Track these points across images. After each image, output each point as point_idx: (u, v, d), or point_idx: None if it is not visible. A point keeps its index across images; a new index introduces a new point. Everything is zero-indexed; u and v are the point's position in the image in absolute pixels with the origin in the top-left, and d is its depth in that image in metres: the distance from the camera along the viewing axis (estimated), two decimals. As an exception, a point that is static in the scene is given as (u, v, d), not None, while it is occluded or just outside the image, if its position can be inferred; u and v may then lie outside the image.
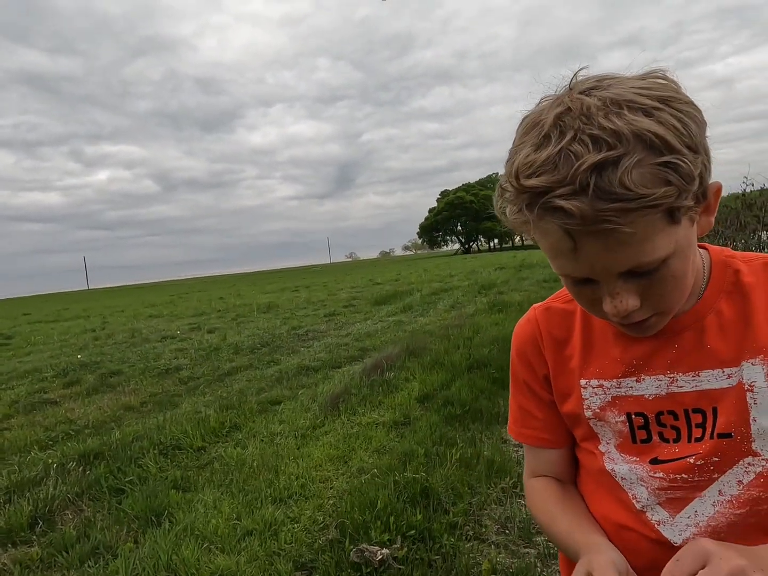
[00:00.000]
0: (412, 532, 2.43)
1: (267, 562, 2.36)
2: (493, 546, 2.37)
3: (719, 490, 0.64)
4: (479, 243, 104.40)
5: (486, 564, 2.20)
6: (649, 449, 0.68)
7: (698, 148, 0.52)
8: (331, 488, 3.07)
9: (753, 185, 6.33)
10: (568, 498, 0.77)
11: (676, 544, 0.65)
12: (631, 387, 0.68)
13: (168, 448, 3.92)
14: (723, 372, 0.64)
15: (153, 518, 2.87)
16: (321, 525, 2.65)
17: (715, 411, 0.64)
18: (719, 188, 0.59)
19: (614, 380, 0.69)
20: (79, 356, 8.77)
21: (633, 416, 0.68)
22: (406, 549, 2.32)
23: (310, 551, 2.42)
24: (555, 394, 0.77)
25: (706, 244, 0.70)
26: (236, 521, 2.74)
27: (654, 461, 0.67)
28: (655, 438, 0.67)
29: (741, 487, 0.63)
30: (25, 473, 3.60)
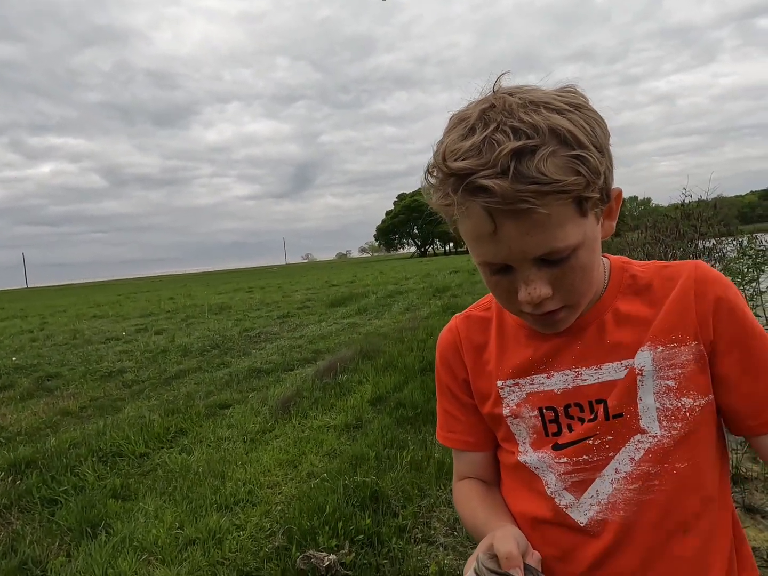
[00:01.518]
0: (361, 536, 2.40)
1: (210, 573, 2.28)
2: (441, 548, 2.37)
3: (615, 468, 0.69)
4: (435, 246, 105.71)
5: (433, 567, 2.20)
6: (551, 440, 0.73)
7: (603, 150, 0.60)
8: (279, 494, 3.01)
9: (691, 196, 6.69)
10: (489, 496, 0.82)
11: (582, 524, 0.70)
12: (542, 383, 0.73)
13: (108, 455, 3.74)
14: (621, 364, 0.70)
15: (88, 529, 2.72)
16: (268, 532, 2.59)
17: (602, 399, 0.70)
18: (620, 193, 0.67)
19: (527, 377, 0.74)
20: (14, 358, 8.26)
21: (544, 410, 0.73)
22: (354, 554, 2.29)
23: (256, 559, 2.35)
24: (475, 397, 0.81)
25: (607, 254, 0.77)
26: (178, 530, 2.64)
27: (556, 446, 0.72)
28: (565, 430, 0.72)
29: (633, 463, 0.68)
30: (-54, 485, 3.34)
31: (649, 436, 0.68)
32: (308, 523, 2.49)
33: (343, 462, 3.26)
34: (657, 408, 0.68)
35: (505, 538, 0.64)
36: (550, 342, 0.73)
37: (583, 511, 0.70)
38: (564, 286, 0.64)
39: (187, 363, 7.11)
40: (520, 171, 0.55)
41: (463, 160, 0.57)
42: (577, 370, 0.71)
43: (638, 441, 0.69)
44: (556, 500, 0.72)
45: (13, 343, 10.65)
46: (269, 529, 2.61)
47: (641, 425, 0.68)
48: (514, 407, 0.75)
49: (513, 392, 0.75)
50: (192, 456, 3.67)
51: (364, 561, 2.26)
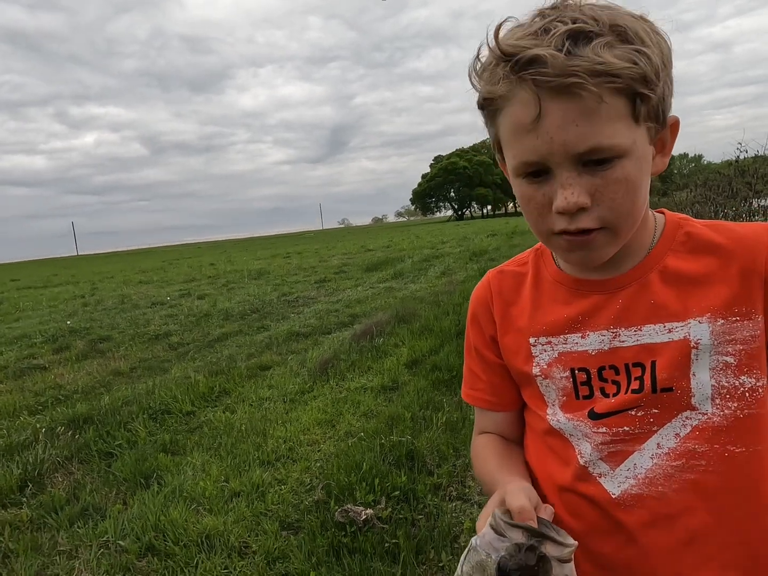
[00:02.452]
0: (397, 493, 2.48)
1: (254, 522, 2.41)
2: (475, 506, 2.42)
3: (657, 443, 0.65)
4: (472, 209, 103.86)
5: (468, 523, 2.25)
6: (589, 404, 0.69)
7: (667, 65, 0.58)
8: (318, 451, 3.12)
9: (747, 152, 6.29)
10: (506, 450, 0.81)
11: (614, 495, 0.67)
12: (576, 343, 0.69)
13: (157, 413, 3.94)
14: (664, 326, 0.65)
15: (142, 481, 2.91)
16: (308, 487, 2.70)
17: (653, 364, 0.65)
18: (677, 122, 0.64)
19: (561, 336, 0.71)
20: (68, 322, 8.73)
21: (576, 371, 0.69)
22: (390, 509, 2.37)
23: (296, 512, 2.47)
24: (504, 353, 0.78)
25: (664, 209, 0.73)
26: (224, 483, 2.79)
27: (593, 415, 0.68)
28: (597, 393, 0.69)
29: (678, 440, 0.64)
30: (14, 437, 3.62)
31: (699, 413, 0.64)
32: (346, 479, 2.58)
33: (380, 422, 3.33)
34: (712, 385, 0.63)
35: (516, 492, 0.64)
36: (587, 299, 0.69)
37: (618, 482, 0.67)
38: (604, 200, 0.58)
39: (228, 326, 7.34)
40: (573, 50, 0.53)
41: (517, 39, 0.56)
42: (615, 330, 0.67)
43: (686, 417, 0.64)
44: (589, 469, 0.69)
45: (67, 307, 11.23)
46: (309, 484, 2.73)
47: (692, 402, 0.64)
48: (545, 367, 0.72)
49: (545, 351, 0.72)
50: (235, 414, 3.83)
51: (400, 516, 2.33)
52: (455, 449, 2.92)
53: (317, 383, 4.35)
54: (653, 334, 0.65)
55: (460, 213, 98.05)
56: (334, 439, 3.25)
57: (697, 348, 0.63)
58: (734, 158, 6.38)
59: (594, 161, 0.57)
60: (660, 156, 0.64)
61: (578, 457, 0.70)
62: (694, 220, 0.70)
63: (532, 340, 0.73)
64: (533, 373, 0.73)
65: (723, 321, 0.63)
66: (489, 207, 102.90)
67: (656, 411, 0.65)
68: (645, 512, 0.65)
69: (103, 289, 15.05)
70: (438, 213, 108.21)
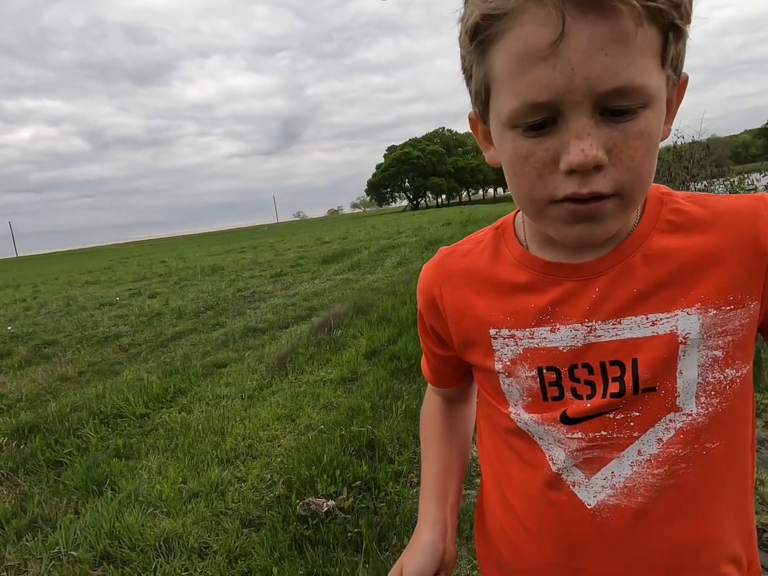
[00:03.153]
0: (358, 482, 2.49)
1: (214, 522, 2.37)
2: (436, 490, 2.46)
3: (638, 450, 0.58)
4: (427, 199, 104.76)
5: (428, 507, 2.29)
6: (559, 407, 0.61)
7: (690, 18, 0.48)
8: (278, 446, 3.09)
9: (683, 138, 6.60)
10: (449, 440, 0.81)
11: (589, 506, 0.60)
12: (545, 338, 0.60)
13: (109, 417, 3.81)
14: (647, 319, 0.56)
15: (94, 488, 2.81)
16: (268, 482, 2.68)
17: (635, 363, 0.56)
18: (686, 80, 0.54)
19: (527, 329, 0.61)
20: (9, 328, 8.28)
21: (544, 371, 0.60)
22: (352, 499, 2.38)
23: (258, 508, 2.44)
24: (457, 343, 0.69)
25: None
26: (182, 485, 2.72)
27: (565, 419, 0.60)
28: (568, 395, 0.60)
29: (660, 445, 0.57)
30: (-48, 452, 3.41)
31: (683, 414, 0.57)
32: (307, 473, 2.58)
33: (340, 414, 3.33)
34: (698, 383, 0.56)
35: (415, 559, 0.67)
36: (559, 286, 0.59)
37: (593, 492, 0.60)
38: (623, 159, 0.48)
39: (182, 325, 7.15)
40: None
41: None
42: (589, 324, 0.57)
43: (670, 420, 0.57)
44: (562, 476, 0.61)
45: (7, 312, 10.64)
46: (270, 479, 2.70)
47: (677, 402, 0.56)
48: (508, 363, 0.62)
49: (507, 345, 0.62)
50: (192, 414, 3.74)
51: (362, 505, 2.35)
52: (415, 436, 2.95)
53: (276, 378, 4.30)
54: (635, 327, 0.56)
55: (415, 203, 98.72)
56: (294, 434, 3.23)
57: (685, 343, 0.55)
58: (672, 144, 6.68)
59: (614, 111, 0.47)
60: (667, 123, 0.54)
61: (549, 463, 0.62)
62: (675, 192, 0.61)
63: (492, 332, 0.63)
64: (495, 369, 0.64)
65: (715, 312, 0.55)
66: (443, 196, 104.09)
67: (637, 414, 0.57)
68: (622, 523, 0.59)
69: (47, 291, 14.33)
70: (393, 203, 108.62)
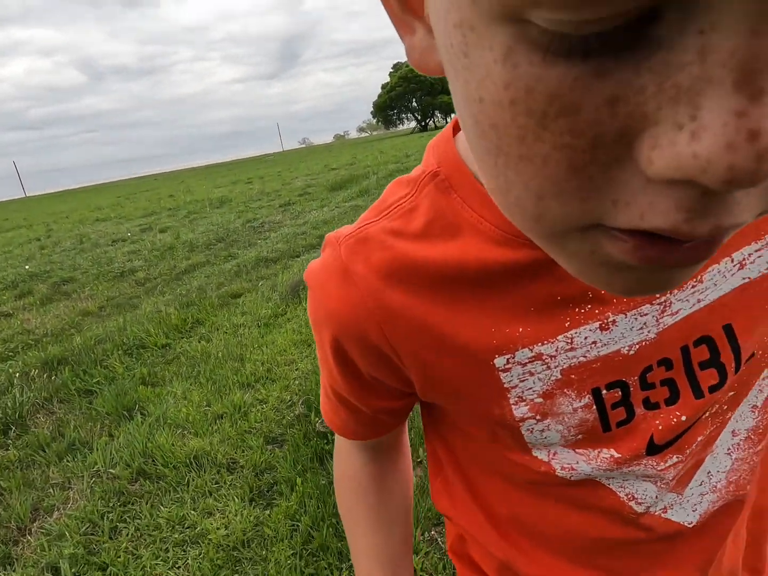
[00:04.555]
0: (374, 401, 2.60)
1: (239, 440, 2.51)
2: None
3: (732, 431, 0.42)
4: (436, 119, 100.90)
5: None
6: (633, 434, 0.39)
7: None
8: (296, 370, 3.20)
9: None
10: (382, 516, 0.57)
11: (690, 525, 0.43)
12: (594, 342, 0.37)
13: (132, 348, 3.95)
14: (732, 261, 0.37)
15: (125, 413, 2.97)
16: (288, 403, 2.80)
17: (729, 331, 0.38)
18: None
19: (560, 337, 0.37)
20: (27, 267, 8.43)
21: (604, 392, 0.38)
22: (368, 416, 2.49)
23: (279, 427, 2.58)
24: (424, 390, 0.43)
25: None
26: (206, 408, 2.87)
27: (653, 449, 0.39)
28: (639, 411, 0.39)
29: (756, 413, 0.42)
30: (-12, 385, 3.60)
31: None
32: (324, 393, 2.69)
33: (354, 337, 3.42)
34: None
35: None
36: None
37: (692, 507, 0.43)
38: None
39: (194, 258, 7.21)
40: None
41: None
42: (665, 298, 0.36)
43: (763, 378, 0.41)
44: (651, 510, 0.42)
45: (23, 252, 10.79)
46: (289, 400, 2.83)
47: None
48: (539, 401, 0.38)
49: (531, 374, 0.38)
50: (211, 343, 3.86)
51: (378, 421, 2.46)
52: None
53: (290, 306, 4.38)
54: (719, 280, 0.37)
55: (423, 124, 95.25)
56: (311, 357, 3.33)
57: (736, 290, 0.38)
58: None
59: None
60: None
61: (631, 505, 0.42)
62: None
63: (499, 361, 0.38)
64: (516, 418, 0.39)
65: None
66: (453, 115, 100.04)
67: (732, 393, 0.40)
68: (729, 522, 0.45)
69: (59, 230, 14.43)
70: (401, 125, 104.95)
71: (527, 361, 0.37)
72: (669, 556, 0.45)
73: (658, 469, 0.40)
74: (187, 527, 2.02)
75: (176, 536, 1.98)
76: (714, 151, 0.15)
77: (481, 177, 0.26)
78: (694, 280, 0.37)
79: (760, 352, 0.40)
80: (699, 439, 0.41)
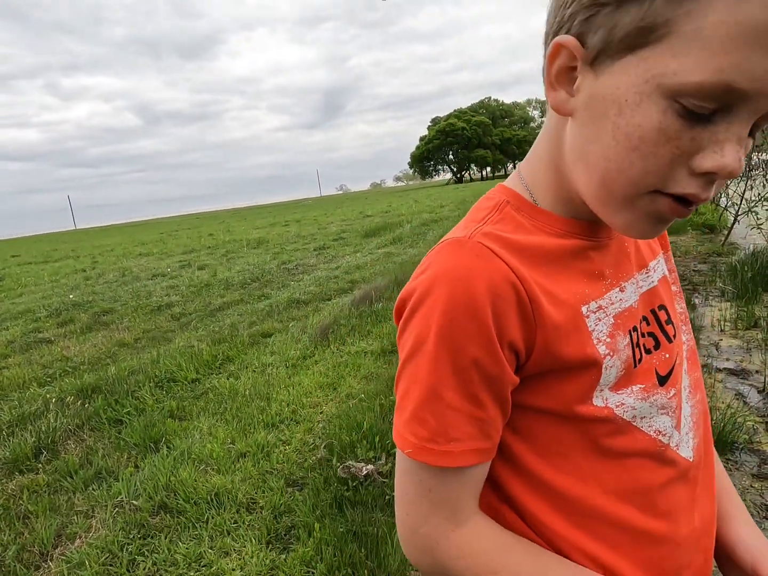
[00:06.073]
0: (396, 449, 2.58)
1: (260, 480, 2.52)
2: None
3: (684, 384, 0.60)
4: (471, 172, 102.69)
5: (464, 475, 2.36)
6: (645, 369, 0.56)
7: None
8: (320, 413, 3.22)
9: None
10: (527, 543, 0.55)
11: (691, 460, 0.58)
12: (621, 299, 0.56)
13: (163, 381, 4.04)
14: (658, 262, 0.64)
15: (151, 445, 3.02)
16: (311, 446, 2.81)
17: (663, 306, 0.61)
18: None
19: (606, 296, 0.55)
20: (71, 296, 8.80)
21: (632, 333, 0.55)
22: (390, 464, 2.47)
23: (301, 469, 2.58)
24: (547, 344, 0.51)
25: None
26: (231, 445, 2.89)
27: (661, 380, 0.56)
28: (643, 354, 0.56)
29: (687, 375, 0.62)
30: (25, 408, 3.73)
31: (685, 342, 0.64)
32: (347, 438, 2.69)
33: (380, 384, 3.43)
34: (680, 312, 0.64)
35: None
36: (603, 247, 0.57)
37: (686, 443, 0.58)
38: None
39: (229, 296, 7.41)
40: None
41: None
42: (636, 276, 0.59)
43: (683, 350, 0.62)
44: (671, 445, 0.56)
45: (69, 281, 11.29)
46: (312, 443, 2.83)
47: (681, 333, 0.63)
48: (608, 340, 0.53)
49: (600, 320, 0.53)
50: (239, 380, 3.93)
51: (400, 470, 2.44)
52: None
53: (318, 348, 4.44)
54: (652, 273, 0.61)
55: (459, 176, 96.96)
56: (336, 401, 3.35)
57: (666, 280, 0.65)
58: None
59: (760, 125, 0.44)
60: None
61: (658, 439, 0.55)
62: None
63: (584, 309, 0.52)
64: (600, 354, 0.52)
65: (663, 253, 0.68)
66: (488, 169, 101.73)
67: (677, 351, 0.60)
68: (701, 462, 0.60)
69: (104, 262, 15.08)
70: (437, 176, 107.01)
71: (595, 310, 0.54)
72: (692, 490, 0.58)
73: (668, 397, 0.56)
74: (204, 565, 2.02)
75: (192, 574, 1.98)
76: (729, 163, 0.42)
77: (587, 175, 0.49)
78: (645, 269, 0.61)
79: (677, 325, 0.62)
80: (679, 380, 0.58)
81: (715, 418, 2.45)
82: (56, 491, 2.69)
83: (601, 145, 0.46)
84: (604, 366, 0.52)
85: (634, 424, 0.54)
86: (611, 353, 0.53)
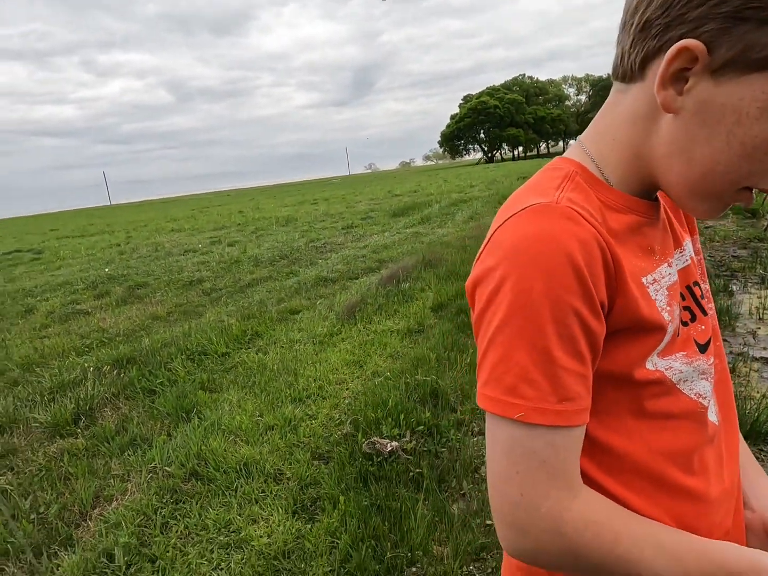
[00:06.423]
0: (421, 427, 2.61)
1: (287, 453, 2.58)
2: (496, 440, 2.53)
3: (712, 361, 0.65)
4: (503, 151, 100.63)
5: (488, 455, 2.37)
6: (684, 339, 0.60)
7: None
8: (346, 389, 3.27)
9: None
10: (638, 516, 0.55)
11: (717, 423, 0.63)
12: (669, 274, 0.59)
13: (194, 354, 4.15)
14: (688, 241, 0.67)
15: (183, 415, 3.12)
16: (337, 421, 2.86)
17: (697, 282, 0.66)
18: None
19: (658, 269, 0.58)
20: (106, 269, 9.07)
21: (677, 305, 0.60)
22: (414, 442, 2.50)
23: (327, 443, 2.63)
24: (629, 304, 0.54)
25: None
26: (259, 418, 2.97)
27: (700, 347, 0.61)
28: (680, 326, 0.61)
29: (712, 344, 0.64)
30: (65, 376, 3.89)
31: (709, 317, 0.66)
32: (373, 415, 2.72)
33: (405, 363, 3.45)
34: (705, 290, 0.67)
35: None
36: (653, 225, 0.60)
37: (712, 409, 0.62)
38: None
39: (258, 272, 7.52)
40: None
41: None
42: (675, 254, 0.63)
43: (707, 321, 0.65)
44: (709, 408, 0.61)
45: (104, 255, 11.63)
46: (338, 419, 2.88)
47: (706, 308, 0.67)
48: (667, 308, 0.57)
49: (657, 291, 0.57)
50: (267, 356, 4.01)
51: (424, 448, 2.47)
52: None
53: (345, 326, 4.48)
54: (685, 252, 0.65)
55: (489, 155, 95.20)
56: (362, 379, 3.39)
57: (694, 260, 0.68)
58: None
59: None
60: None
61: (700, 401, 0.60)
62: None
63: (644, 280, 0.56)
64: (666, 320, 0.56)
65: (689, 237, 0.69)
66: (520, 148, 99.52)
67: (711, 324, 0.65)
68: (724, 427, 0.65)
69: (137, 237, 15.45)
70: (467, 156, 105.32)
71: (652, 281, 0.57)
72: (720, 453, 0.62)
73: (708, 364, 0.61)
74: (232, 531, 2.10)
75: (222, 539, 2.05)
76: None
77: (687, 169, 0.53)
78: (680, 249, 0.64)
79: (706, 300, 0.65)
80: (713, 350, 0.63)
81: (749, 407, 2.39)
82: (94, 455, 2.81)
83: (711, 148, 0.50)
84: (666, 332, 0.56)
85: (679, 387, 0.58)
86: (671, 319, 0.57)
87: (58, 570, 1.99)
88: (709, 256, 5.37)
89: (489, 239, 0.56)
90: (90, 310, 6.35)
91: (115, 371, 3.90)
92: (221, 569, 1.91)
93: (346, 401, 3.08)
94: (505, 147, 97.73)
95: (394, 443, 2.44)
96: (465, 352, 3.47)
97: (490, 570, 1.79)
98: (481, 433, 2.63)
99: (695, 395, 0.59)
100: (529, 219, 0.51)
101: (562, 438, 0.50)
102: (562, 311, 0.49)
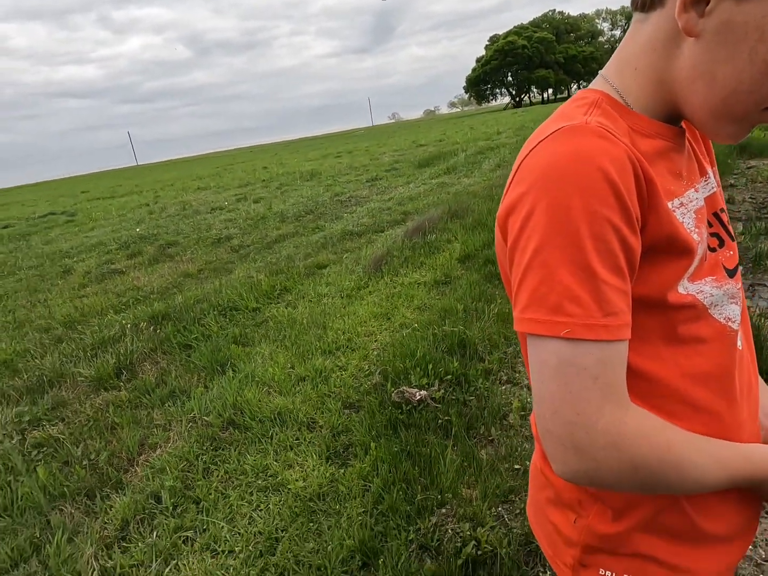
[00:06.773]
0: (449, 377, 2.64)
1: (319, 402, 2.66)
2: (525, 389, 2.55)
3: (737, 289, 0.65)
4: (531, 95, 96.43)
5: (516, 403, 2.39)
6: (712, 264, 0.60)
7: None
8: (375, 341, 3.31)
9: None
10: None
11: (741, 348, 0.63)
12: (696, 198, 0.59)
13: (226, 310, 4.26)
14: (711, 171, 0.66)
15: (218, 368, 3.23)
16: (366, 372, 2.92)
17: (723, 208, 0.66)
18: None
19: (685, 194, 0.58)
20: (137, 230, 9.25)
21: (705, 229, 0.60)
22: (443, 391, 2.54)
23: (357, 393, 2.70)
24: (661, 224, 0.54)
25: None
26: (290, 369, 3.05)
27: (729, 272, 0.61)
28: (706, 248, 0.60)
29: (735, 275, 0.64)
30: (105, 332, 4.05)
31: (733, 249, 0.65)
32: (401, 365, 2.76)
33: (433, 314, 3.46)
34: (728, 220, 0.67)
35: None
36: (679, 151, 0.60)
37: (738, 335, 0.63)
38: None
39: (285, 228, 7.55)
40: None
41: None
42: (701, 180, 0.62)
43: (735, 246, 0.66)
44: (738, 331, 0.62)
45: (135, 216, 11.83)
46: (367, 370, 2.94)
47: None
48: (696, 230, 0.57)
49: (684, 215, 0.56)
50: (296, 310, 4.08)
51: (452, 397, 2.50)
52: (506, 338, 3.02)
53: (372, 279, 4.50)
54: (711, 180, 0.65)
55: (518, 99, 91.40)
56: (390, 330, 3.43)
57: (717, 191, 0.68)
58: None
59: None
60: None
61: (729, 325, 0.60)
62: None
63: (670, 204, 0.55)
64: (696, 242, 0.56)
65: (711, 170, 0.67)
66: (550, 91, 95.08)
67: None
68: (746, 353, 0.66)
69: (165, 197, 15.63)
70: (494, 101, 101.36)
71: (679, 205, 0.57)
72: (746, 378, 0.63)
73: (737, 288, 0.62)
74: (270, 476, 2.20)
75: (260, 482, 2.16)
76: None
77: (710, 92, 0.53)
78: (705, 177, 0.64)
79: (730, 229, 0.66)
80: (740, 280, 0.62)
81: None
82: (137, 407, 2.96)
83: (734, 67, 0.49)
84: (696, 255, 0.56)
85: (710, 311, 0.58)
86: (700, 241, 0.57)
87: (111, 510, 2.14)
88: (750, 197, 5.12)
89: (518, 167, 0.56)
90: (124, 270, 6.53)
91: (152, 327, 4.04)
92: (260, 510, 2.02)
93: (375, 352, 3.14)
94: (534, 90, 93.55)
95: (423, 392, 2.48)
96: (493, 303, 3.46)
97: (518, 511, 1.84)
98: (509, 381, 2.65)
99: (725, 319, 0.59)
100: (560, 140, 0.51)
101: (610, 353, 0.50)
102: (602, 226, 0.48)
